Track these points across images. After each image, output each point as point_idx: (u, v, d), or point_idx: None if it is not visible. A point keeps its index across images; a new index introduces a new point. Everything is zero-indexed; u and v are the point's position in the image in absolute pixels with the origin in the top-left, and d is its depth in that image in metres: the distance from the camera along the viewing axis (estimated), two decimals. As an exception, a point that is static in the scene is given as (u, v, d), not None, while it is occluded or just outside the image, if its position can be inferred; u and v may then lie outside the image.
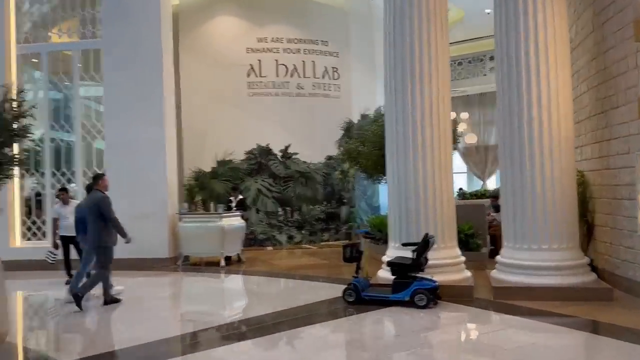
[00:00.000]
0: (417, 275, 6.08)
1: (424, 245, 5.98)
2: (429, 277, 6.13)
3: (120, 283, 7.23)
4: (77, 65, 10.86)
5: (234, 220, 10.22)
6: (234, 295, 7.49)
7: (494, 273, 6.83)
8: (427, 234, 6.07)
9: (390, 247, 7.10)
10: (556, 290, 6.13)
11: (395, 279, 6.14)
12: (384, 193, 15.24)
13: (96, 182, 6.62)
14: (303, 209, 13.30)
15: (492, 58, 17.59)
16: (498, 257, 6.90)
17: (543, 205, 6.35)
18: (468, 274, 6.82)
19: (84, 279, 6.63)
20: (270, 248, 12.61)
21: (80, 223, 6.89)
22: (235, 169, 13.00)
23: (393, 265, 6.14)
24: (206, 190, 12.85)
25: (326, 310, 6.16)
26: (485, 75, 17.71)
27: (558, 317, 5.48)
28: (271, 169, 13.19)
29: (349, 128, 13.86)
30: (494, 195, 11.02)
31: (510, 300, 6.12)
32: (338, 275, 8.42)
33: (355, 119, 13.95)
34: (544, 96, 6.34)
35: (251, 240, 12.73)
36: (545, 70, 6.34)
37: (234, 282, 8.34)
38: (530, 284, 6.22)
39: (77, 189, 10.61)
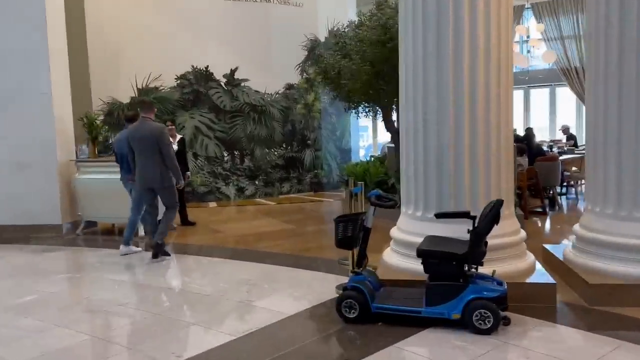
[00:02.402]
0: (472, 271, 3.39)
1: (492, 220, 3.24)
2: (488, 275, 3.45)
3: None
4: None
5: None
6: (140, 301, 4.53)
7: (571, 255, 4.26)
8: (499, 201, 3.28)
9: (404, 215, 4.35)
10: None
11: (431, 277, 3.42)
12: (355, 132, 12.45)
13: (149, 110, 5.58)
14: (256, 154, 10.31)
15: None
16: (576, 228, 4.33)
17: (673, 145, 3.75)
18: (532, 258, 4.20)
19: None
20: (214, 204, 9.66)
21: (123, 158, 5.93)
22: (163, 99, 9.69)
23: (428, 256, 3.39)
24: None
25: (306, 343, 3.36)
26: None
27: None
28: (213, 100, 9.98)
29: (313, 48, 10.75)
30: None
31: (618, 308, 3.60)
32: (311, 251, 5.67)
33: (322, 36, 10.82)
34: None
35: (189, 194, 9.73)
36: None
37: (152, 268, 5.40)
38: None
39: None
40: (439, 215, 3.68)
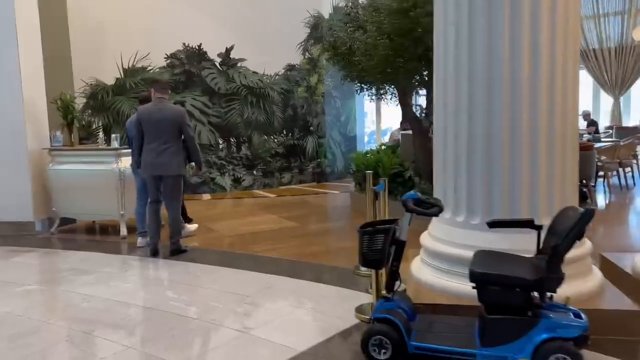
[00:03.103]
0: (544, 300, 2.57)
1: (576, 236, 2.40)
2: (561, 304, 2.62)
3: None
4: None
5: (144, 160, 6.25)
6: (110, 328, 3.71)
7: (645, 269, 3.46)
8: (588, 213, 2.43)
9: (440, 220, 3.51)
10: None
11: (488, 308, 2.60)
12: (361, 118, 11.60)
13: (165, 89, 5.09)
14: (254, 141, 9.46)
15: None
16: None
17: None
18: (599, 275, 3.38)
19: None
20: (207, 196, 8.83)
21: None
22: (151, 81, 8.80)
23: (487, 281, 2.55)
24: (109, 112, 8.68)
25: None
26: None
27: None
28: (206, 82, 9.09)
29: (316, 25, 9.84)
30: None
31: None
32: (319, 256, 4.85)
33: (326, 12, 9.90)
34: None
35: (180, 185, 8.88)
36: None
37: (132, 278, 4.59)
38: None
39: None
40: (494, 224, 2.85)
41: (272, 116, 9.55)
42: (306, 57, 9.88)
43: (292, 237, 5.75)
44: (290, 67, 9.78)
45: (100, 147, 6.20)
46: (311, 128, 10.08)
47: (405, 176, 6.18)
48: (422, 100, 6.33)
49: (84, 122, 8.66)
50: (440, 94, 3.47)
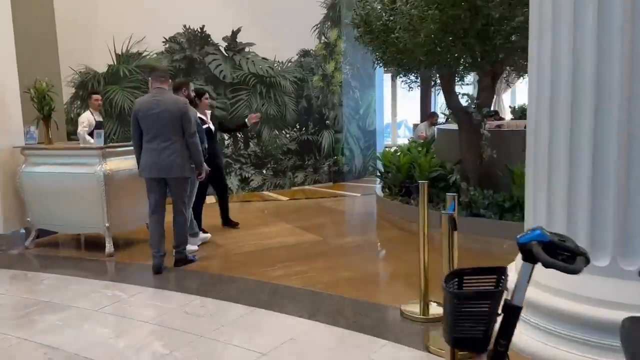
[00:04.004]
0: None
1: None
2: None
3: None
4: None
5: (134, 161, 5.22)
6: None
7: None
8: None
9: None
10: None
11: None
12: (380, 109, 10.52)
13: (164, 79, 4.37)
14: (264, 136, 8.43)
15: None
16: None
17: None
18: None
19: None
20: (212, 199, 7.80)
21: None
22: (148, 68, 7.78)
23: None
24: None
25: None
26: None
27: None
28: (210, 70, 8.05)
29: (334, 5, 8.77)
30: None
31: None
32: (353, 287, 3.80)
33: (345, -10, 8.83)
34: None
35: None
36: None
37: (111, 318, 3.58)
38: None
39: None
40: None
41: (283, 108, 8.52)
42: (322, 41, 8.81)
43: (315, 257, 4.71)
44: (304, 53, 8.72)
45: (82, 145, 5.18)
46: (327, 122, 9.04)
47: (449, 181, 5.12)
48: (467, 89, 5.26)
49: (72, 115, 7.70)
50: (542, 71, 2.40)
